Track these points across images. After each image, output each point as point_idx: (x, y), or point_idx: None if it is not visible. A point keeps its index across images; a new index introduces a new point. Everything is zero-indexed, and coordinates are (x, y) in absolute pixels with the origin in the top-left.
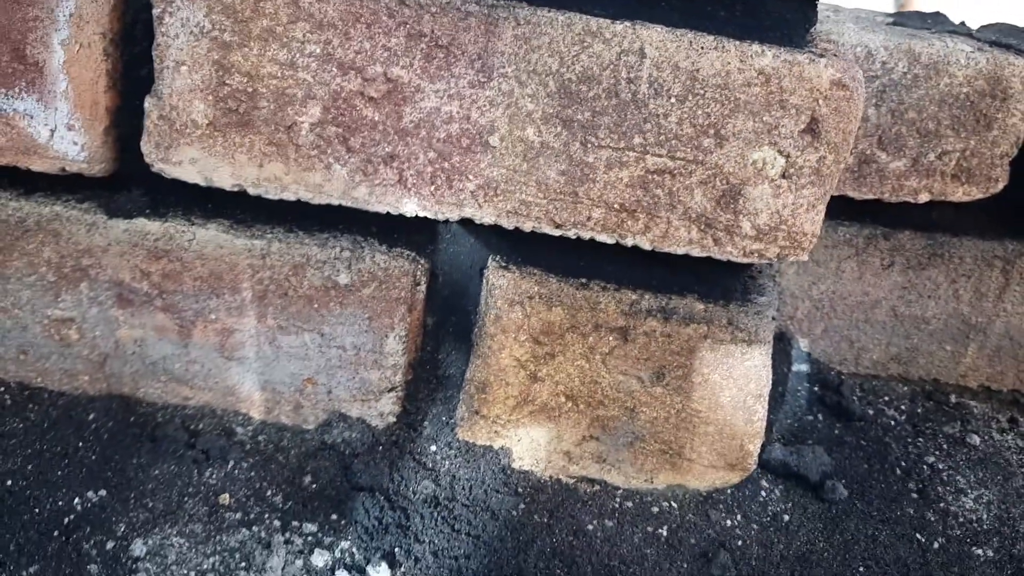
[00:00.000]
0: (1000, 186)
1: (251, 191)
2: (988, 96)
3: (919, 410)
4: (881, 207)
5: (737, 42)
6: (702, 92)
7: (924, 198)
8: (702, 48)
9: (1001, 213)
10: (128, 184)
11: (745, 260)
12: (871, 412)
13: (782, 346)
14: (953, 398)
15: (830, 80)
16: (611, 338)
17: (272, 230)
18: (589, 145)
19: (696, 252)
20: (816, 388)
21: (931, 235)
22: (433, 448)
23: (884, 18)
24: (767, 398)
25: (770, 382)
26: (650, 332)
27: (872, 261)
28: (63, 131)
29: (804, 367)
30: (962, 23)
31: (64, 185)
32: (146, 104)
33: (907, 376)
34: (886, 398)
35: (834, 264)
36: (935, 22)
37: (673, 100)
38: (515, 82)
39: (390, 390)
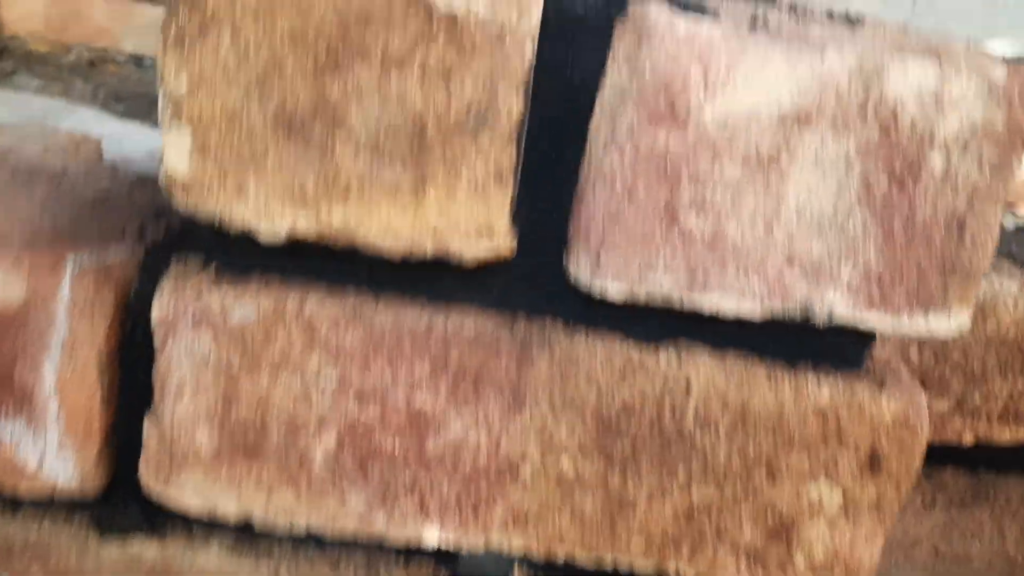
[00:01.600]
0: None
1: (258, 521)
2: None
3: None
4: None
5: (791, 375)
6: (753, 427)
7: (969, 439)
8: (753, 382)
9: None
10: (123, 497)
11: None
12: None
13: None
14: None
15: (892, 416)
16: None
17: (279, 546)
18: (629, 477)
19: None
20: None
21: (975, 474)
22: None
23: None
24: None
25: None
26: None
27: (914, 499)
28: (53, 455)
29: None
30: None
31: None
32: (145, 426)
33: None
34: None
35: None
36: None
37: (721, 435)
38: (549, 413)
39: None
